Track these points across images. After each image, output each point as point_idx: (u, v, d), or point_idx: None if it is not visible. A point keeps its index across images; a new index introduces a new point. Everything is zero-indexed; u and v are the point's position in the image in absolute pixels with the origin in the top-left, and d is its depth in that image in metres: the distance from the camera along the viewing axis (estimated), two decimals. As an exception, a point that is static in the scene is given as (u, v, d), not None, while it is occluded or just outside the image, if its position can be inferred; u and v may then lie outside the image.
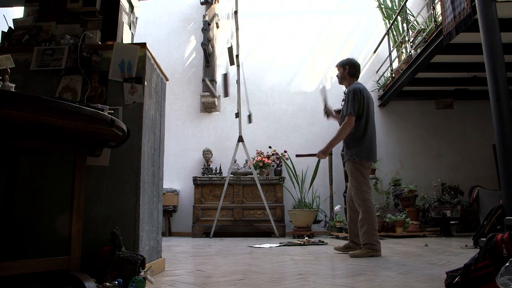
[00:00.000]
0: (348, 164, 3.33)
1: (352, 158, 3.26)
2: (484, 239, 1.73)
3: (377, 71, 7.18)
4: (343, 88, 3.66)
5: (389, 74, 6.59)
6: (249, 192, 6.21)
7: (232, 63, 6.09)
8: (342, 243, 4.49)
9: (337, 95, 7.06)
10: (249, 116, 5.98)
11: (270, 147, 6.77)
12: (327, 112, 3.70)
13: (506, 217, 2.81)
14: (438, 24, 4.69)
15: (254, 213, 6.12)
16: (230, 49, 6.05)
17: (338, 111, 3.80)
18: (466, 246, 3.86)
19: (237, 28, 6.29)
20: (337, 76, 3.58)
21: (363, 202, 3.21)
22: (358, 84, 3.38)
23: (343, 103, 3.49)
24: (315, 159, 6.43)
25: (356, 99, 3.25)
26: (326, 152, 3.38)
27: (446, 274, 1.76)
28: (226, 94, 6.11)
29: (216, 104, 7.16)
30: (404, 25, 6.36)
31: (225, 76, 5.95)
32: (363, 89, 3.32)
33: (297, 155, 3.59)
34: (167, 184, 6.51)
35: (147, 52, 2.30)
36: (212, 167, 6.65)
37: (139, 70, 2.24)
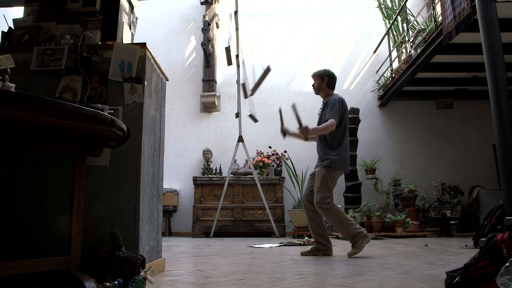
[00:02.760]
0: (321, 170, 3.30)
1: (328, 165, 3.27)
2: (484, 239, 1.73)
3: (377, 71, 7.18)
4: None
5: (389, 74, 6.60)
6: (249, 192, 6.22)
7: (230, 63, 6.09)
8: (342, 243, 4.49)
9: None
10: (252, 116, 5.85)
11: (270, 147, 6.78)
12: (284, 131, 3.52)
13: (506, 217, 2.81)
14: (438, 24, 4.69)
15: (254, 213, 6.12)
16: (227, 49, 6.05)
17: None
18: (466, 246, 3.86)
19: (237, 28, 6.29)
20: (313, 86, 3.56)
21: (327, 205, 3.22)
22: (339, 95, 3.43)
23: (320, 111, 3.53)
24: (315, 158, 6.43)
25: (339, 109, 3.30)
26: (308, 133, 3.28)
27: (446, 274, 1.76)
28: (249, 93, 5.83)
29: (216, 104, 7.16)
30: (404, 25, 6.37)
31: (266, 72, 5.70)
32: (344, 101, 3.39)
33: (293, 106, 3.37)
34: (167, 184, 6.51)
35: (147, 52, 2.30)
36: (212, 167, 6.65)
37: (139, 70, 2.24)
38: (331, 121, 3.24)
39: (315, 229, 3.38)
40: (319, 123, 3.46)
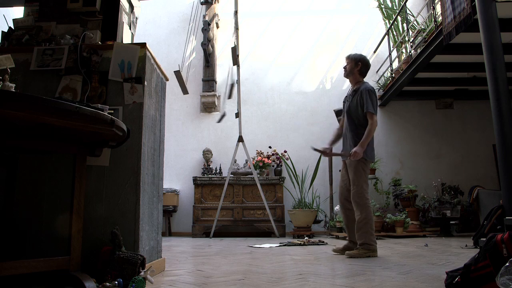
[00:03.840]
0: (352, 162, 3.25)
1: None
2: (484, 239, 1.73)
3: (377, 71, 7.17)
4: (343, 90, 3.60)
5: (389, 74, 6.59)
6: (249, 192, 6.21)
7: (235, 63, 6.10)
8: (342, 243, 4.49)
9: (337, 95, 7.08)
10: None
11: (270, 147, 6.77)
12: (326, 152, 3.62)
13: (506, 217, 2.81)
14: (438, 24, 4.69)
15: (254, 213, 6.12)
16: (233, 49, 6.05)
17: (338, 111, 3.69)
18: (466, 246, 3.86)
19: (237, 28, 6.29)
20: (344, 67, 3.47)
21: (362, 201, 3.21)
22: (370, 85, 3.37)
23: (348, 100, 3.43)
24: (315, 158, 6.44)
25: (375, 100, 3.27)
26: (359, 155, 3.21)
27: (446, 274, 1.76)
28: (185, 91, 5.93)
29: (216, 104, 7.16)
30: (404, 25, 6.36)
31: (178, 74, 5.76)
32: (375, 91, 3.37)
33: (314, 149, 3.40)
34: (167, 184, 6.51)
35: (147, 52, 2.30)
36: (212, 167, 6.65)
37: (139, 70, 2.24)
38: (374, 120, 3.21)
39: (350, 228, 3.37)
40: (348, 110, 3.40)
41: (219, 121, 6.13)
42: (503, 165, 2.99)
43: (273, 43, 7.44)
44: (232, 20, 6.52)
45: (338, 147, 3.72)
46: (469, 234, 4.83)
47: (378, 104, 7.05)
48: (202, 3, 7.39)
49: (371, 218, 3.21)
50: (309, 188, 6.35)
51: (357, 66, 3.40)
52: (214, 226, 5.73)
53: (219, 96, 7.22)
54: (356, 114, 3.32)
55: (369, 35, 7.40)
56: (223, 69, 7.27)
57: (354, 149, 3.21)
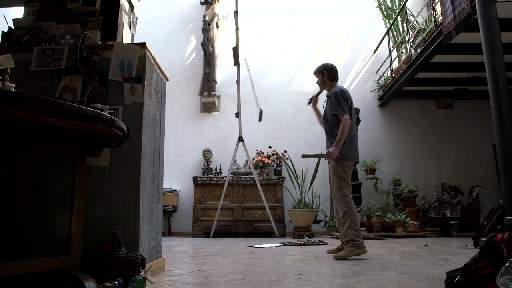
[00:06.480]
0: (332, 162, 3.34)
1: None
2: (484, 239, 1.73)
3: (377, 71, 7.18)
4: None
5: (389, 74, 6.60)
6: (249, 192, 6.21)
7: (236, 63, 6.10)
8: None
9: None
10: (260, 114, 5.95)
11: (270, 147, 6.77)
12: (314, 100, 3.61)
13: (506, 217, 2.81)
14: (438, 24, 4.69)
15: (254, 213, 6.12)
16: (234, 49, 6.05)
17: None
18: (466, 246, 3.86)
19: (237, 28, 6.29)
20: (317, 83, 3.60)
21: (343, 199, 3.23)
22: (340, 86, 3.46)
23: (325, 105, 3.54)
24: (316, 159, 6.44)
25: (342, 100, 3.31)
26: (336, 152, 3.27)
27: (446, 274, 1.76)
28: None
29: (216, 104, 7.16)
30: (404, 25, 6.37)
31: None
32: (346, 91, 3.41)
33: (303, 156, 3.43)
34: (167, 184, 6.51)
35: (147, 52, 2.30)
36: (212, 167, 6.65)
37: (139, 70, 2.24)
38: (345, 118, 3.24)
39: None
40: (324, 116, 3.49)
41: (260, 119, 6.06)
42: (503, 165, 3.00)
43: (273, 43, 7.45)
44: (232, 20, 6.52)
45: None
46: (469, 234, 4.83)
47: (378, 104, 7.07)
48: (202, 3, 7.39)
49: (354, 214, 3.20)
50: (309, 188, 6.34)
51: (323, 75, 3.52)
52: (214, 226, 5.73)
53: (219, 96, 7.22)
54: (330, 118, 3.40)
55: (369, 35, 7.40)
56: (223, 69, 7.27)
57: (329, 149, 3.29)
